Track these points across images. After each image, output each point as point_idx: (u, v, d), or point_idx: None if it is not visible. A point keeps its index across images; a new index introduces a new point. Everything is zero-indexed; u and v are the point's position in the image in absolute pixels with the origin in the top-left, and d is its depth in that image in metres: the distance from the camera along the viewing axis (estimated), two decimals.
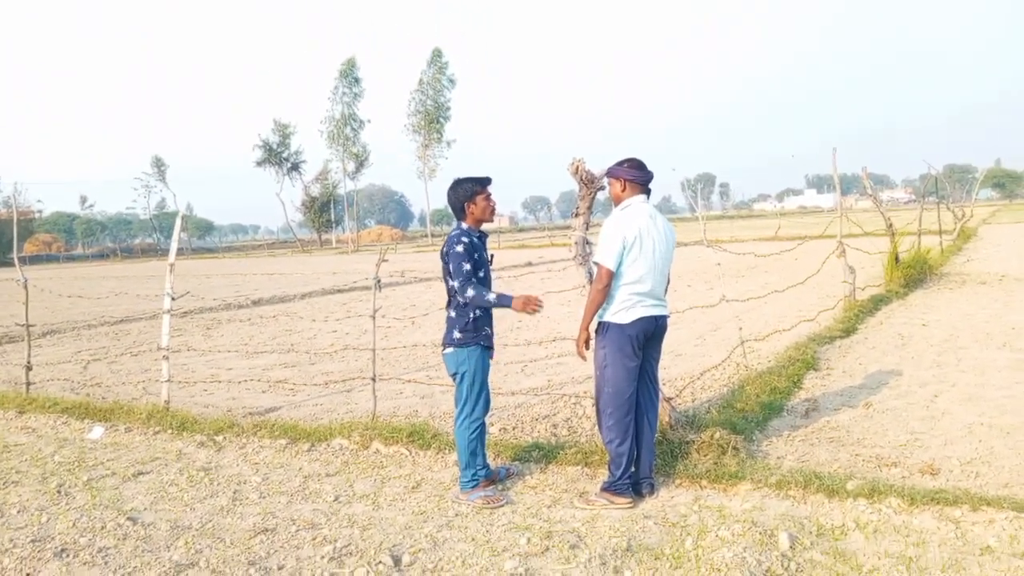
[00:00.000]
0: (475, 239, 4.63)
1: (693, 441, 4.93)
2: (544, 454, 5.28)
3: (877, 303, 11.99)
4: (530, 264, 27.71)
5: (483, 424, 4.69)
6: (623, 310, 4.48)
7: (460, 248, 4.54)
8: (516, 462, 5.26)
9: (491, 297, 4.50)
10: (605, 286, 4.47)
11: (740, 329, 7.63)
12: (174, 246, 7.69)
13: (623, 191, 4.67)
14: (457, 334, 4.60)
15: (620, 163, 4.74)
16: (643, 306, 4.49)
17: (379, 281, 6.63)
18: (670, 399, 5.53)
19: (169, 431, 6.68)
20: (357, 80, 68.12)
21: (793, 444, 5.48)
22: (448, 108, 70.67)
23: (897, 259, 14.27)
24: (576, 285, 5.75)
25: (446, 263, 4.59)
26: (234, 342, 12.15)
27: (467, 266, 4.50)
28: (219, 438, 6.37)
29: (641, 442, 4.59)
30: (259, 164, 74.74)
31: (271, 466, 5.62)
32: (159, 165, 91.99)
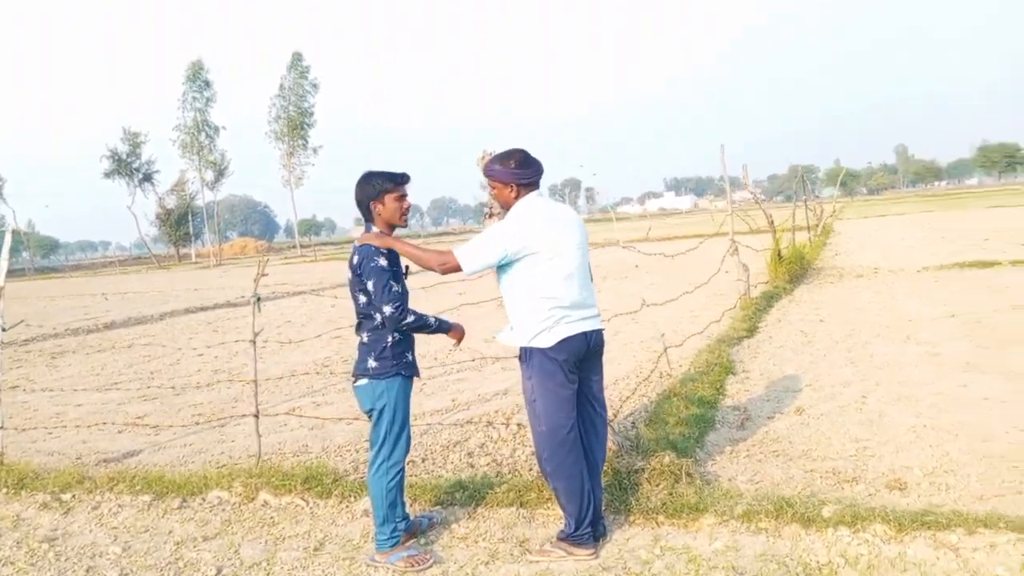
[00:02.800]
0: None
1: (643, 469, 4.32)
2: (470, 494, 4.52)
3: (769, 300, 11.93)
4: (408, 271, 26.75)
5: (403, 469, 3.91)
6: (544, 331, 3.73)
7: (383, 262, 3.74)
8: (438, 507, 4.49)
9: (431, 320, 3.81)
10: (440, 270, 3.81)
11: (663, 335, 7.14)
12: (4, 266, 6.44)
13: (516, 195, 3.88)
14: (372, 363, 3.79)
15: (502, 160, 3.88)
16: (568, 323, 3.75)
17: (259, 299, 5.69)
18: (609, 422, 4.91)
19: (3, 490, 5.48)
20: (207, 84, 64.56)
21: (738, 461, 4.98)
22: (312, 113, 68.33)
23: (780, 255, 14.39)
24: (494, 296, 5.04)
25: (359, 278, 3.78)
26: (84, 373, 10.69)
27: (395, 287, 3.73)
28: (67, 497, 5.25)
29: (593, 477, 3.93)
30: (107, 176, 69.67)
31: (133, 531, 4.60)
32: None
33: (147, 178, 67.58)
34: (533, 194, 3.92)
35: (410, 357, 3.93)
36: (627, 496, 4.21)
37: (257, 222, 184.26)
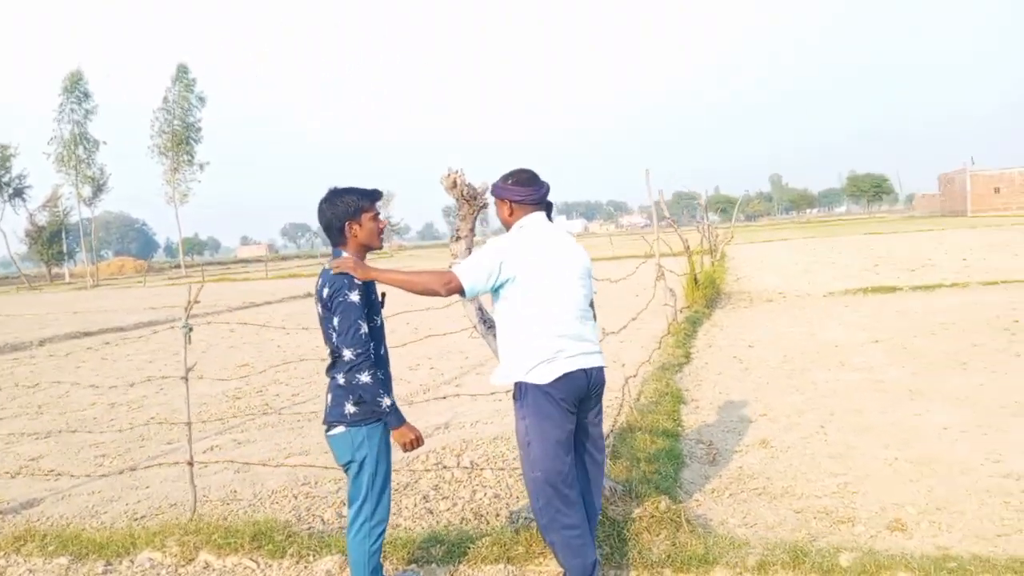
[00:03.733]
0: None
1: (639, 517, 3.97)
2: (448, 550, 4.03)
3: (694, 324, 11.93)
4: (310, 294, 25.74)
5: (385, 529, 3.41)
6: (542, 364, 3.37)
7: (355, 298, 3.21)
8: (413, 565, 3.99)
9: (387, 403, 3.26)
10: (443, 291, 3.39)
11: (623, 366, 6.86)
12: None
13: (511, 215, 3.62)
14: (350, 407, 3.28)
15: (503, 177, 3.67)
16: (567, 357, 3.39)
17: (190, 328, 5.05)
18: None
19: None
20: (87, 95, 60.71)
21: (723, 502, 4.71)
22: (199, 128, 65.18)
23: (696, 280, 14.50)
24: (464, 327, 4.63)
25: (329, 311, 3.26)
26: None
27: (363, 328, 3.21)
28: None
29: (592, 529, 3.55)
30: None
31: None
32: None
33: (17, 193, 62.72)
34: (534, 215, 3.58)
35: (391, 400, 3.45)
36: (626, 548, 3.84)
37: (134, 240, 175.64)
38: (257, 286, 34.73)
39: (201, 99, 65.77)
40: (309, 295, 25.71)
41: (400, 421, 3.29)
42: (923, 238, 34.56)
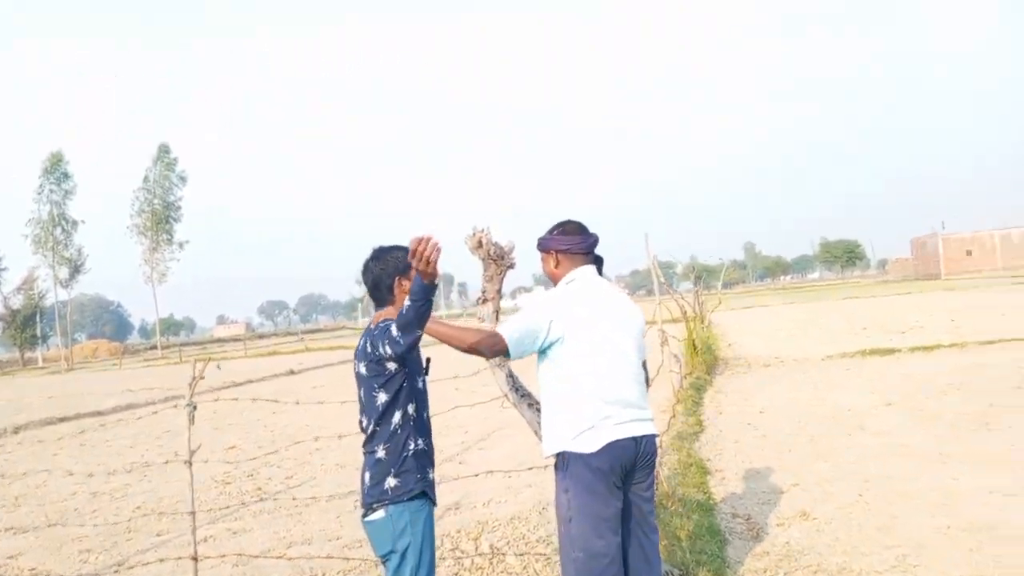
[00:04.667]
0: None
1: None
2: None
3: (698, 391, 11.63)
4: (292, 372, 25.21)
5: None
6: (587, 431, 3.07)
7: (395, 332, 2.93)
8: None
9: (421, 300, 2.69)
10: (489, 353, 3.13)
11: (660, 434, 6.50)
12: None
13: (557, 267, 3.41)
14: (392, 481, 2.93)
15: (550, 230, 3.47)
16: (615, 424, 3.10)
17: (195, 407, 4.67)
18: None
19: None
20: (67, 175, 60.49)
21: None
22: (179, 207, 65.03)
23: (695, 346, 14.26)
24: (494, 396, 4.31)
25: (375, 363, 2.95)
26: None
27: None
28: None
29: None
30: None
31: None
32: None
33: None
34: (583, 269, 3.34)
35: (432, 475, 3.11)
36: None
37: (108, 322, 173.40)
38: (236, 365, 34.03)
39: (182, 178, 65.88)
40: (292, 372, 25.19)
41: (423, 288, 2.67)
42: (903, 301, 34.78)
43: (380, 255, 3.18)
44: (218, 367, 27.06)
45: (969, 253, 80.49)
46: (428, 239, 2.53)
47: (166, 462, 7.83)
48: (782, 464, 7.01)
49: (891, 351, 14.90)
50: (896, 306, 31.15)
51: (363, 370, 2.99)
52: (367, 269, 3.18)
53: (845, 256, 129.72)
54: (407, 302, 2.71)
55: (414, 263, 2.57)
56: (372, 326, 3.04)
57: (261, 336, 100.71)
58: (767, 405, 10.32)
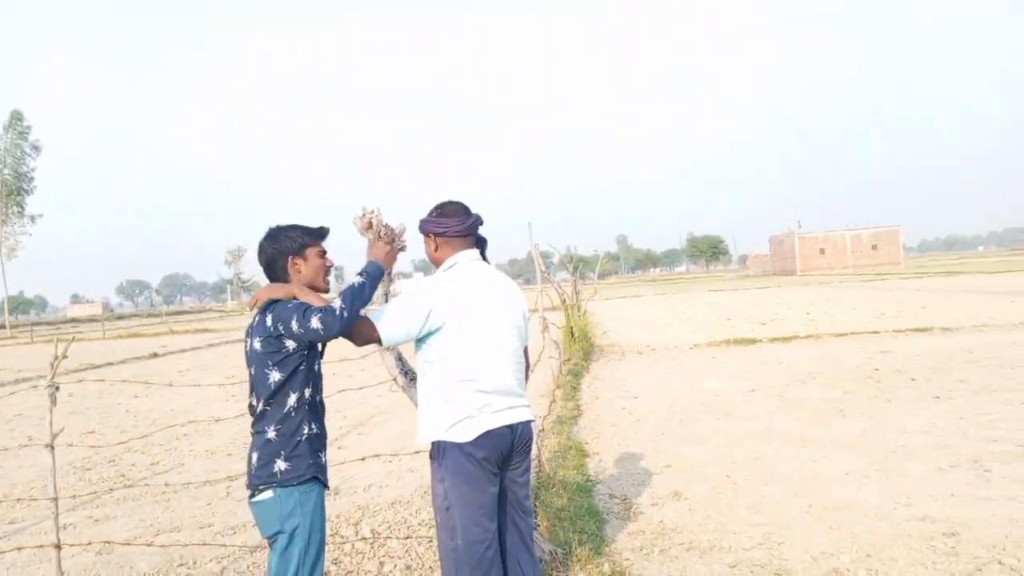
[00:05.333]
0: None
1: None
2: None
3: (576, 377, 11.88)
4: (155, 355, 24.01)
5: None
6: (463, 420, 3.03)
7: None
8: None
9: (366, 283, 2.98)
10: (359, 339, 3.01)
11: (540, 418, 6.59)
12: None
13: (437, 250, 3.29)
14: (282, 464, 2.83)
15: (430, 211, 3.34)
16: (491, 411, 3.06)
17: (57, 388, 4.35)
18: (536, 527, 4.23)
19: None
20: None
21: (654, 559, 4.49)
22: (32, 179, 60.39)
23: (573, 333, 14.56)
24: (381, 380, 4.24)
25: (274, 339, 2.83)
26: None
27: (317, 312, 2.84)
28: None
29: None
30: None
31: None
32: None
33: None
34: (465, 253, 3.27)
35: (324, 458, 3.03)
36: None
37: None
38: (94, 347, 32.06)
39: (36, 148, 61.22)
40: (155, 355, 23.98)
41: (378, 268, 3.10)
42: (764, 295, 36.77)
43: (275, 235, 3.05)
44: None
45: (822, 251, 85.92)
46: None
47: (21, 446, 7.29)
48: (656, 447, 7.26)
49: (753, 341, 15.71)
50: (757, 299, 32.89)
51: (257, 346, 2.87)
52: (262, 249, 3.06)
53: (710, 251, 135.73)
54: (360, 281, 2.78)
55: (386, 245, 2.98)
56: (264, 303, 2.92)
57: (121, 317, 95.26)
58: (641, 391, 10.67)
